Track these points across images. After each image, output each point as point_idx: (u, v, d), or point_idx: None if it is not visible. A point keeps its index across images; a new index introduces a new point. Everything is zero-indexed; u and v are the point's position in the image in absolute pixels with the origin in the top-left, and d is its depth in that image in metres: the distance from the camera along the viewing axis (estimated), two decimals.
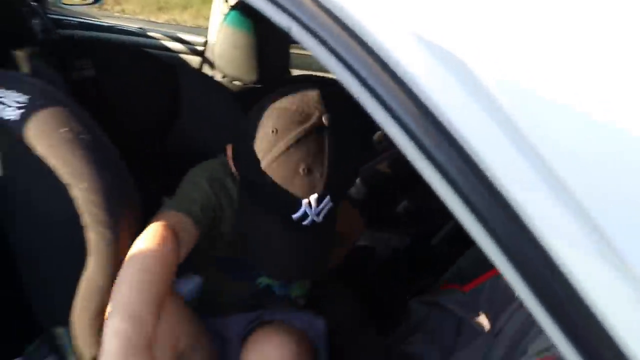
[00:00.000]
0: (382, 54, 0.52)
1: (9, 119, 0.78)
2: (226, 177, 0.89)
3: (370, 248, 1.45)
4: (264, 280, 0.99)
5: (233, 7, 1.45)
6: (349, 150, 0.82)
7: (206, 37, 1.86)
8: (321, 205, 0.77)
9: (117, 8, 4.77)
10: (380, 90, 0.51)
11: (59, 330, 0.91)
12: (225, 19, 1.43)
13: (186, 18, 5.52)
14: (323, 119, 0.77)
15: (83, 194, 0.76)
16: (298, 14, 0.57)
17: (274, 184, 0.76)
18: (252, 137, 0.78)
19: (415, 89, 0.50)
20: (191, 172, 0.90)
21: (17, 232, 0.90)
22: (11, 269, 0.92)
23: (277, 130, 0.76)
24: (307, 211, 0.76)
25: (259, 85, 1.44)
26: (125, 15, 4.34)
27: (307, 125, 0.76)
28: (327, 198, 0.77)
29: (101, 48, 1.39)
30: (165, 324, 0.74)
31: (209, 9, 2.07)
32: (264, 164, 0.76)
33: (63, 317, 0.83)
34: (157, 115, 1.35)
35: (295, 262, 0.81)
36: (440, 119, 0.49)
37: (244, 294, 0.98)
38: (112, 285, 0.73)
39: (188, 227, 0.82)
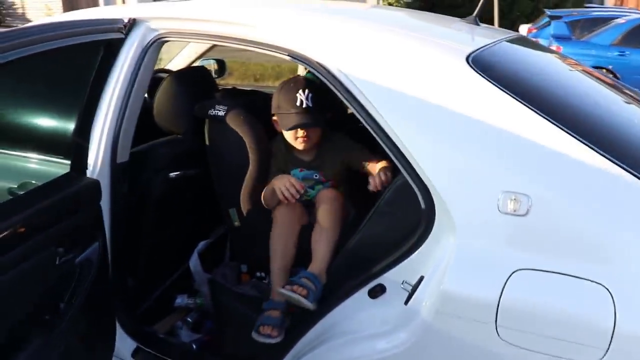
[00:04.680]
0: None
1: (221, 115, 2.01)
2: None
3: None
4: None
5: (309, 71, 2.66)
6: None
7: None
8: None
9: (223, 82, 6.33)
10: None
11: (231, 210, 2.10)
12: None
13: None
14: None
15: (250, 144, 1.97)
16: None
17: None
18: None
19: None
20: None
21: (219, 170, 2.11)
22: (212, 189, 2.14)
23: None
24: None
25: None
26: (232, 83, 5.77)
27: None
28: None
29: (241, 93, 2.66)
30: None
31: None
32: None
33: (234, 201, 2.03)
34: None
35: None
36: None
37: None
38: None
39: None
